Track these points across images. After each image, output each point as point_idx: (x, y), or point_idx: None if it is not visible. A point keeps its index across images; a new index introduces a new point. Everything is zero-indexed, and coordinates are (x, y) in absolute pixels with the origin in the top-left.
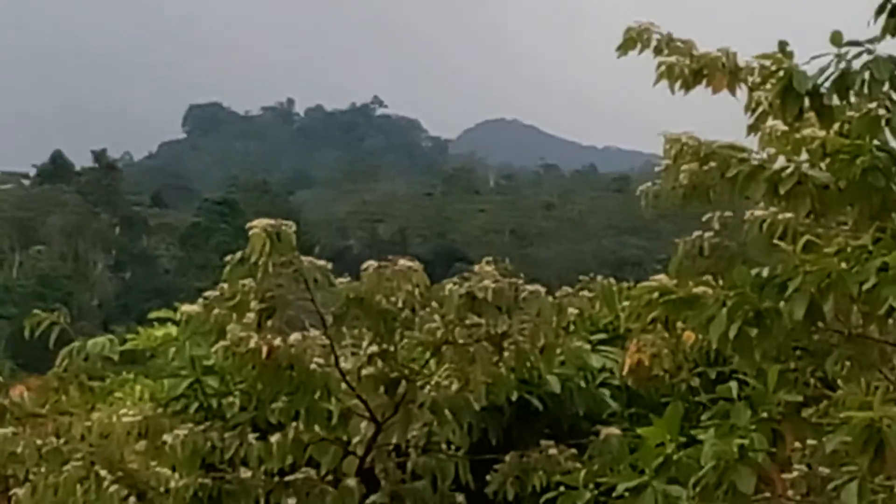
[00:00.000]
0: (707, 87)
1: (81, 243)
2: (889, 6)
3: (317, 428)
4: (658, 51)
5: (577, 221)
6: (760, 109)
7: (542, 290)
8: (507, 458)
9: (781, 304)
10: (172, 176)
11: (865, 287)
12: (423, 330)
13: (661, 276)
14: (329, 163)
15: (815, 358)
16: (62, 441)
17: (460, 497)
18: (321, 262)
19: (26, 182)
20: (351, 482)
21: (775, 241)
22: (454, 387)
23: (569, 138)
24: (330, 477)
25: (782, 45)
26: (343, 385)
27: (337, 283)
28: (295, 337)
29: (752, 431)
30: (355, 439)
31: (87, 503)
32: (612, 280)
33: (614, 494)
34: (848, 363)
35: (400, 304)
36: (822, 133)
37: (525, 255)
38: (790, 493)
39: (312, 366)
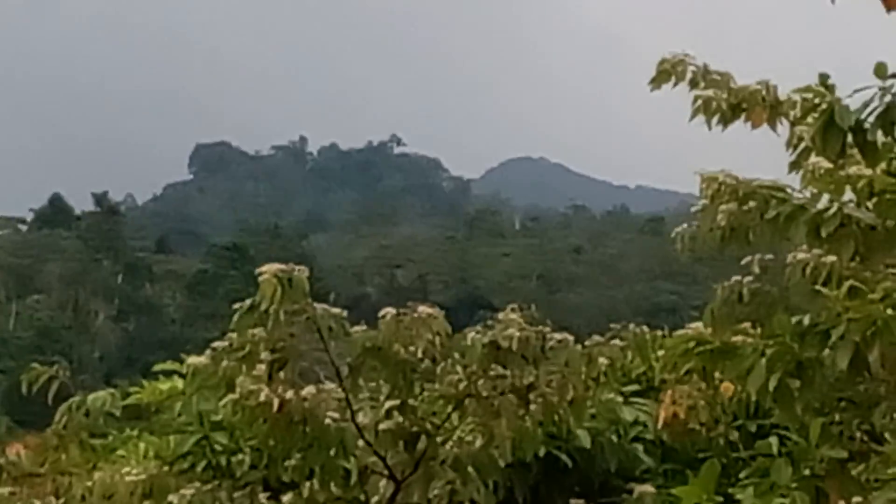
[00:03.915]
0: (746, 123)
1: (82, 292)
2: None
3: (333, 487)
4: (694, 84)
5: (608, 266)
6: (802, 146)
7: (571, 338)
8: None
9: (825, 353)
10: (178, 220)
11: None
12: (445, 382)
13: (698, 325)
14: (344, 205)
15: (860, 410)
16: (62, 502)
17: None
18: (336, 310)
19: (23, 227)
20: None
21: (818, 287)
22: (478, 442)
23: (599, 177)
24: None
25: (823, 77)
26: (360, 441)
27: (353, 332)
28: (308, 390)
29: (793, 490)
30: (374, 499)
31: None
32: (645, 328)
33: None
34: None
35: (420, 355)
36: (869, 171)
37: (553, 301)
38: None
39: (327, 420)
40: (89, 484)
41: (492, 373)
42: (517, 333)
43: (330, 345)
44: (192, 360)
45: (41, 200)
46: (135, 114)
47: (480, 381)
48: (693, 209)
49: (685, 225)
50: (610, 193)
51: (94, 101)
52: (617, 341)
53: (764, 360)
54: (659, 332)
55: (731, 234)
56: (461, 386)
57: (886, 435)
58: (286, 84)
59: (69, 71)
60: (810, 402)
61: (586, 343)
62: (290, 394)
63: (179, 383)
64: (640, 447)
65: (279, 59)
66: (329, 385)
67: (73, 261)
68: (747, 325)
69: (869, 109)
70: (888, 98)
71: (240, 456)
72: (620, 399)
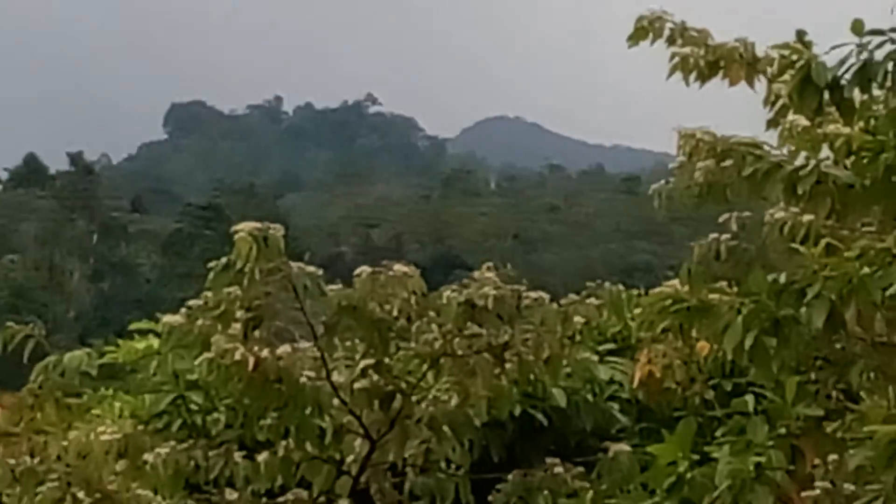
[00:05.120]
0: (723, 80)
1: (57, 252)
2: None
3: (308, 446)
4: (671, 41)
5: (584, 225)
6: (780, 103)
7: (547, 297)
8: (511, 476)
9: (801, 311)
10: (153, 179)
11: (889, 292)
12: (420, 341)
13: (674, 283)
14: (319, 164)
15: (836, 368)
16: (37, 461)
17: None
18: (311, 269)
19: None
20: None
21: (795, 245)
22: (453, 401)
23: (575, 136)
24: (322, 498)
25: (800, 34)
26: (335, 400)
27: (328, 291)
28: (284, 349)
29: (769, 448)
30: (349, 458)
31: None
32: (621, 287)
33: None
34: (872, 374)
35: (395, 313)
36: (847, 129)
37: (528, 260)
38: None
39: (302, 379)
40: (65, 443)
41: (467, 332)
42: (492, 292)
43: (305, 304)
44: (168, 318)
45: (15, 160)
46: (110, 73)
47: (456, 340)
48: (670, 166)
49: (662, 182)
50: (586, 153)
51: (69, 60)
52: (593, 300)
53: (740, 318)
54: (635, 291)
55: (708, 191)
56: (436, 345)
57: (862, 393)
58: (261, 42)
59: (42, 28)
60: (786, 360)
61: (562, 302)
62: (265, 353)
63: (155, 342)
64: (615, 406)
65: (254, 16)
66: (304, 344)
67: (47, 220)
68: (724, 283)
69: (846, 66)
70: (865, 55)
71: (215, 415)
72: (596, 358)
